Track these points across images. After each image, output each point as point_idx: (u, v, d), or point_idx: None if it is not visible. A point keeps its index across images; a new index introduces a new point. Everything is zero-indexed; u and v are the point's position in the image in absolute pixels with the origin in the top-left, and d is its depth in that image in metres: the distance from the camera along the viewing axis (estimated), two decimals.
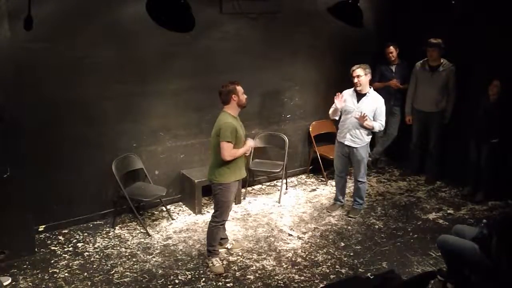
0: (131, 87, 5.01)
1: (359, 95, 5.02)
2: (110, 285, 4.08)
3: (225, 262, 4.44)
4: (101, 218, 5.16)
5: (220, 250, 4.50)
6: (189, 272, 4.30)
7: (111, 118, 4.99)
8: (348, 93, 5.12)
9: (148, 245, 4.72)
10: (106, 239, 4.82)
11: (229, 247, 4.66)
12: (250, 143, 4.28)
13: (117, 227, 5.04)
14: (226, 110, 4.16)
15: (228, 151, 4.02)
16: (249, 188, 6.05)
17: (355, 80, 4.96)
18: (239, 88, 4.15)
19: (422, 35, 5.90)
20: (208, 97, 5.49)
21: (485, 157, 5.59)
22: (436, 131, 6.12)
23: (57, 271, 4.27)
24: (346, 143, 5.13)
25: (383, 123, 5.08)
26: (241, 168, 4.25)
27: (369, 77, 4.99)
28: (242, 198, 5.72)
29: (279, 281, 4.19)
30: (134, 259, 4.47)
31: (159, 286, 4.10)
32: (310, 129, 6.38)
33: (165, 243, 4.77)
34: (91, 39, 4.66)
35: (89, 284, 4.10)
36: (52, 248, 4.63)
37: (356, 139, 5.07)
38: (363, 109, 4.96)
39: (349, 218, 5.33)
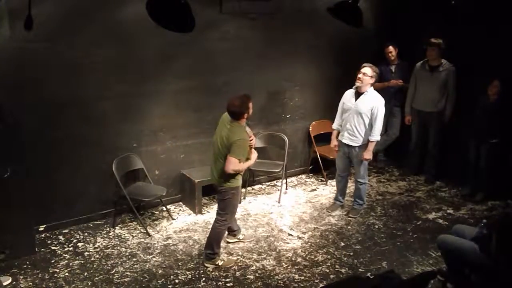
0: (131, 87, 5.01)
1: (358, 94, 5.03)
2: (110, 285, 4.09)
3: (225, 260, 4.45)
4: (101, 218, 5.16)
5: (231, 241, 4.69)
6: (189, 272, 4.30)
7: (111, 118, 4.99)
8: (349, 92, 5.15)
9: (148, 245, 4.72)
10: (106, 239, 4.83)
11: (241, 238, 4.76)
12: (255, 155, 4.25)
13: (117, 227, 5.04)
14: (240, 124, 4.08)
15: (234, 166, 3.97)
16: (249, 188, 6.05)
17: (359, 75, 4.94)
18: (250, 105, 4.07)
19: (422, 35, 5.91)
20: (208, 97, 5.50)
21: (484, 157, 5.59)
22: (436, 131, 6.13)
23: (57, 271, 4.27)
24: (344, 141, 5.15)
25: (378, 129, 5.00)
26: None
27: (373, 80, 4.97)
28: (242, 198, 5.72)
29: (279, 281, 4.19)
30: (134, 259, 4.47)
31: (159, 286, 4.10)
32: (310, 129, 6.39)
33: (165, 243, 4.78)
34: (91, 39, 4.66)
35: (89, 284, 4.10)
36: (52, 248, 4.63)
37: (354, 137, 5.08)
38: (359, 108, 4.98)
39: (349, 218, 5.33)
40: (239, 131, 4.01)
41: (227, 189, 4.17)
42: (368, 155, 5.06)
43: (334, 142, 5.38)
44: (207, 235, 4.44)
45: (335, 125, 5.38)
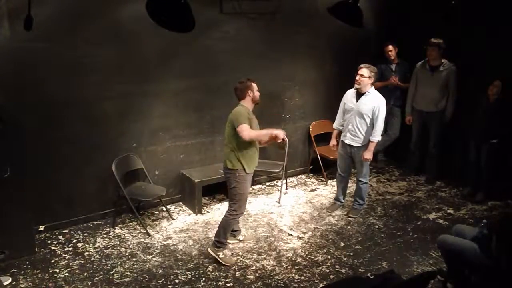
0: (131, 87, 5.01)
1: (359, 94, 5.04)
2: (110, 285, 4.09)
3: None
4: (101, 218, 5.16)
5: (230, 241, 4.65)
6: (189, 272, 4.30)
7: (111, 118, 4.99)
8: (350, 93, 5.16)
9: (148, 245, 4.72)
10: (106, 239, 4.83)
11: (241, 239, 4.75)
12: (277, 131, 4.28)
13: (117, 227, 5.04)
14: (242, 104, 4.27)
15: (247, 131, 4.10)
16: (249, 188, 6.04)
17: (357, 77, 4.98)
18: (254, 85, 4.31)
19: (422, 35, 5.91)
20: (208, 97, 5.50)
21: (485, 157, 5.59)
22: (436, 131, 6.13)
23: (57, 271, 4.27)
24: (346, 142, 5.16)
25: (379, 129, 5.02)
26: (254, 160, 4.33)
27: (372, 80, 4.98)
28: None
29: (279, 281, 4.19)
30: (134, 259, 4.47)
31: (159, 286, 4.10)
32: (310, 129, 6.39)
33: (165, 243, 4.78)
34: (91, 39, 4.66)
35: (89, 284, 4.10)
36: (52, 248, 4.63)
37: (356, 138, 5.08)
38: (361, 108, 4.99)
39: (349, 218, 5.33)
40: (238, 107, 4.22)
41: (231, 174, 4.22)
42: (368, 155, 5.06)
43: (333, 142, 5.41)
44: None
45: (335, 125, 5.39)
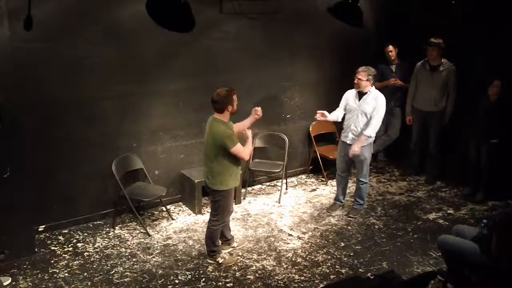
0: (131, 87, 5.01)
1: (360, 94, 5.04)
2: (110, 285, 4.09)
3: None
4: (101, 218, 5.16)
5: (227, 250, 4.61)
6: (189, 272, 4.30)
7: (111, 118, 4.99)
8: (351, 93, 5.15)
9: (148, 245, 4.72)
10: (106, 239, 4.83)
11: (235, 246, 4.71)
12: (249, 134, 4.25)
13: (117, 227, 5.04)
14: (218, 117, 4.10)
15: (244, 151, 4.08)
16: (249, 188, 6.05)
17: (356, 80, 4.98)
18: (235, 97, 4.11)
19: (422, 35, 5.91)
20: (208, 97, 5.43)
21: (485, 157, 5.59)
22: (436, 131, 6.13)
23: (57, 271, 4.27)
24: (348, 142, 5.14)
25: (375, 126, 4.97)
26: (238, 175, 4.31)
27: (370, 82, 4.96)
28: (242, 198, 5.72)
29: (279, 281, 4.19)
30: (134, 259, 4.47)
31: (159, 286, 4.10)
32: (310, 129, 6.38)
33: (165, 243, 4.78)
34: (91, 39, 4.66)
35: (89, 284, 4.10)
36: (52, 248, 4.63)
37: (358, 138, 5.07)
38: (363, 108, 4.98)
39: (349, 218, 5.33)
40: (217, 124, 4.05)
41: (216, 191, 4.18)
42: (357, 147, 4.95)
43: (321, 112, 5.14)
44: None
45: (331, 113, 5.21)
